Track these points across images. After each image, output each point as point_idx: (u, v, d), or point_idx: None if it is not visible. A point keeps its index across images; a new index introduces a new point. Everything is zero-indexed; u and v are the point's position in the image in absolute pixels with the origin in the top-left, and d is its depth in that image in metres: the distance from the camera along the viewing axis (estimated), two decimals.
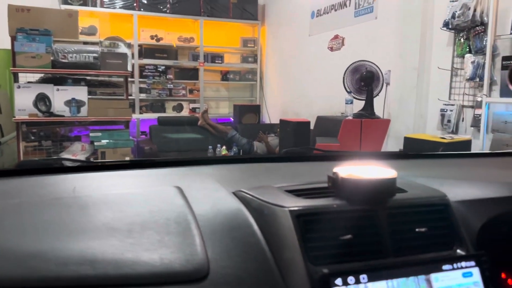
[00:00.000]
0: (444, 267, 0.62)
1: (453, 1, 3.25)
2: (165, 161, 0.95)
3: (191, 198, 0.70)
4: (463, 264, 0.63)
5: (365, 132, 3.44)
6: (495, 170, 1.02)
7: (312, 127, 4.29)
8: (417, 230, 0.66)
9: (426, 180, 0.82)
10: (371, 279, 0.58)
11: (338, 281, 0.57)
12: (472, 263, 0.64)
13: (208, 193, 0.73)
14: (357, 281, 0.58)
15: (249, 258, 0.59)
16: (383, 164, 0.70)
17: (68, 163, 0.92)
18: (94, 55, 3.93)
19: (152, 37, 5.94)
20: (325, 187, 0.70)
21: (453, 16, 3.19)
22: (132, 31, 5.72)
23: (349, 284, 0.57)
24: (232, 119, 6.24)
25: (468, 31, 3.20)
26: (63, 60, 3.81)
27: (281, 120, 4.01)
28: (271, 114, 6.47)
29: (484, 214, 0.76)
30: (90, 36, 5.53)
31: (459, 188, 0.81)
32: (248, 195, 0.70)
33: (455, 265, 0.63)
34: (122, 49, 4.12)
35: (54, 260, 0.53)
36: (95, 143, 3.97)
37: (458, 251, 0.68)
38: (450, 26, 3.27)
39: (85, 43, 4.73)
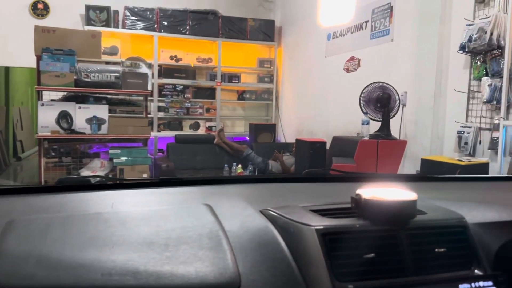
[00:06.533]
0: (462, 286, 0.65)
1: (469, 25, 3.29)
2: (192, 180, 1.00)
3: (220, 215, 0.74)
4: (481, 284, 0.66)
5: (382, 153, 3.45)
6: None
7: (327, 147, 4.32)
8: (436, 250, 0.69)
9: (445, 202, 0.85)
10: None
11: None
12: (490, 283, 0.67)
13: (237, 211, 0.78)
14: None
15: (277, 273, 0.63)
16: (402, 186, 0.74)
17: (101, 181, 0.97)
18: (116, 74, 4.04)
19: (171, 58, 6.09)
20: (348, 208, 0.74)
21: (469, 40, 3.22)
22: (152, 51, 5.87)
23: None
24: (248, 138, 6.30)
25: (485, 54, 3.22)
26: (86, 79, 3.93)
27: (297, 140, 4.03)
28: (286, 133, 6.52)
29: (501, 237, 0.78)
30: (111, 56, 5.69)
31: (477, 211, 0.83)
32: (275, 214, 0.74)
33: (473, 285, 0.66)
34: (143, 69, 4.23)
35: (100, 270, 0.58)
36: (114, 160, 4.04)
37: (476, 271, 0.71)
38: (466, 49, 3.30)
39: (107, 62, 4.87)
